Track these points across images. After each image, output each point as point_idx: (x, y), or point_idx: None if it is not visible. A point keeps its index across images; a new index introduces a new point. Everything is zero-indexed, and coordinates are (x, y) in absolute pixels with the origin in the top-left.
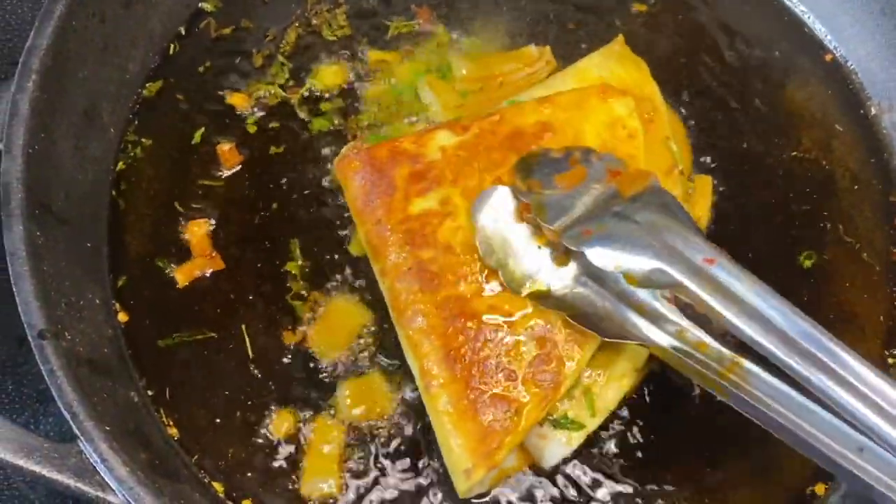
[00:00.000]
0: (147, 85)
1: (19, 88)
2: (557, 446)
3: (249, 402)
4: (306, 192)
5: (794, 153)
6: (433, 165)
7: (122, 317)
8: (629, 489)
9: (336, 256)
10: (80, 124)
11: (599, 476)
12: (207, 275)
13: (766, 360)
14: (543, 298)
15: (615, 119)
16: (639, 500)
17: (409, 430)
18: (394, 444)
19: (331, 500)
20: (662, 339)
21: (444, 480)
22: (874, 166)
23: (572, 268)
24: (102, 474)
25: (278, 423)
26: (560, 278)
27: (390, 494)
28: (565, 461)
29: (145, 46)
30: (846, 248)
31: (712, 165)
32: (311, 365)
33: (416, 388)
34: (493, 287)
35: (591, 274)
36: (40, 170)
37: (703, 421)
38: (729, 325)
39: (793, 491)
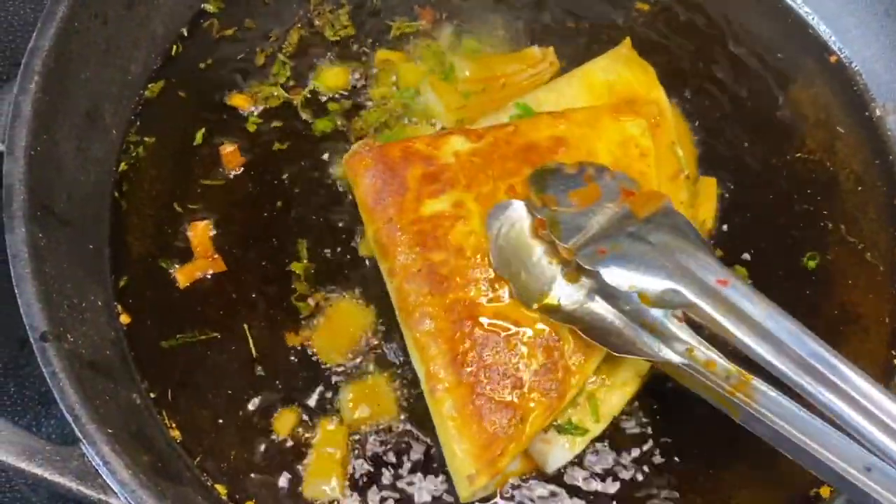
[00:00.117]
0: (149, 86)
1: (21, 90)
2: (560, 451)
3: (252, 405)
4: (308, 193)
5: (798, 154)
6: (446, 168)
7: (125, 318)
8: (632, 493)
9: (339, 258)
10: (82, 125)
11: (602, 481)
12: (209, 276)
13: (776, 379)
14: (553, 312)
15: (627, 138)
16: None
17: (411, 434)
18: (397, 447)
19: (333, 503)
20: (671, 356)
21: (446, 485)
22: (878, 168)
23: (583, 284)
24: (104, 477)
25: (282, 421)
26: (571, 294)
27: (393, 498)
28: (568, 466)
29: (147, 47)
30: (850, 249)
31: (716, 167)
32: (314, 367)
33: (419, 392)
34: (502, 294)
35: (602, 291)
36: (42, 171)
37: (707, 424)
38: (740, 345)
39: (797, 493)
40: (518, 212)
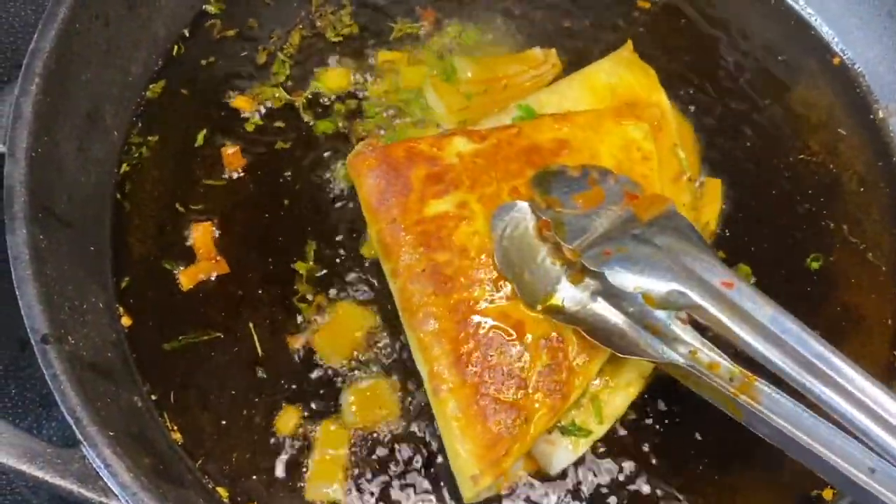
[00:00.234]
0: (150, 87)
1: (22, 91)
2: (564, 452)
3: (254, 407)
4: (310, 194)
5: (801, 156)
6: (450, 169)
7: (126, 320)
8: (635, 495)
9: (341, 259)
10: (83, 127)
11: (605, 482)
12: (213, 278)
13: (780, 380)
14: (557, 314)
15: (630, 141)
16: None
17: (414, 436)
18: (399, 449)
19: None
20: (675, 358)
21: (450, 486)
22: (881, 169)
23: (587, 285)
24: (106, 480)
25: (283, 420)
26: (575, 295)
27: (395, 500)
28: (571, 467)
29: (148, 48)
30: (853, 250)
31: (719, 168)
32: (317, 369)
33: (421, 394)
34: (507, 294)
35: (606, 293)
36: (43, 173)
37: (710, 426)
38: (745, 347)
39: (800, 495)
40: (522, 213)
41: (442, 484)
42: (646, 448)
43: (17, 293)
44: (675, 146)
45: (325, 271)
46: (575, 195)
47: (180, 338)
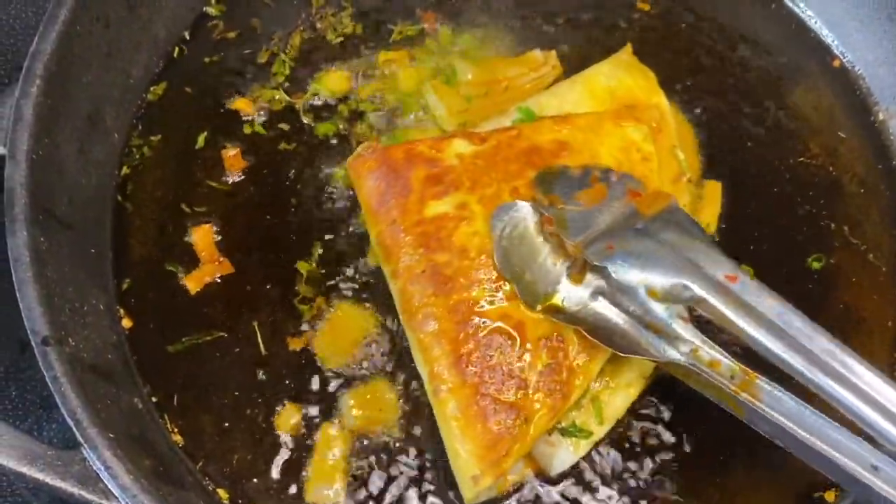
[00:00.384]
0: (151, 89)
1: (23, 93)
2: (565, 454)
3: (254, 409)
4: (310, 196)
5: (801, 158)
6: (450, 170)
7: (126, 322)
8: (636, 496)
9: (340, 261)
10: (83, 129)
11: (606, 484)
12: (218, 280)
13: (783, 375)
14: (558, 313)
15: (629, 143)
16: None
17: (414, 437)
18: (399, 450)
19: None
20: (676, 357)
21: (450, 487)
22: (881, 171)
23: (588, 285)
24: (106, 482)
25: (283, 418)
26: (575, 295)
27: (395, 501)
28: (572, 469)
29: (149, 50)
30: (854, 251)
31: (719, 170)
32: (316, 371)
33: (421, 395)
34: (507, 294)
35: (607, 292)
36: (44, 175)
37: (710, 427)
38: (749, 340)
39: (801, 496)
40: (522, 212)
41: (442, 485)
42: (645, 449)
43: (17, 295)
44: (674, 147)
45: (324, 272)
46: (577, 192)
47: (183, 339)
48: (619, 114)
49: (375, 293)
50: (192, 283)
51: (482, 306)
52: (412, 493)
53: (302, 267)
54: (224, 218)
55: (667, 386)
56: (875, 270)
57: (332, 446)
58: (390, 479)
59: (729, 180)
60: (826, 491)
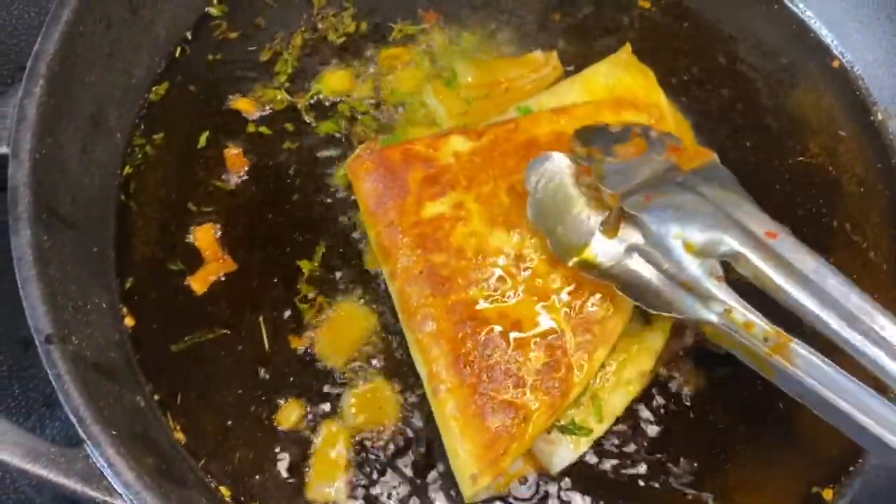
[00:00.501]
0: (153, 89)
1: (26, 94)
2: (565, 452)
3: (256, 407)
4: (312, 195)
5: (801, 158)
6: (447, 170)
7: (129, 321)
8: (636, 493)
9: (341, 261)
10: (86, 129)
11: (606, 481)
12: (221, 279)
13: (815, 333)
14: (590, 269)
15: None
16: None
17: (414, 436)
18: (399, 449)
19: None
20: (709, 316)
21: (449, 485)
22: (880, 171)
23: (622, 239)
24: (109, 479)
25: (285, 414)
26: (609, 250)
27: (395, 499)
28: (572, 466)
29: (151, 51)
30: (854, 250)
31: None
32: (318, 370)
33: (421, 394)
34: (504, 294)
35: (641, 248)
36: (47, 174)
37: (710, 423)
38: (786, 298)
39: (799, 491)
40: (557, 164)
41: (442, 484)
42: (645, 446)
43: (21, 293)
44: None
45: (326, 273)
46: (616, 146)
47: (185, 338)
48: (619, 103)
49: (376, 292)
50: (198, 283)
51: (480, 306)
52: (413, 490)
53: (304, 265)
54: (226, 217)
55: (666, 385)
56: (875, 269)
57: (333, 444)
58: (390, 477)
59: None
60: (824, 489)
